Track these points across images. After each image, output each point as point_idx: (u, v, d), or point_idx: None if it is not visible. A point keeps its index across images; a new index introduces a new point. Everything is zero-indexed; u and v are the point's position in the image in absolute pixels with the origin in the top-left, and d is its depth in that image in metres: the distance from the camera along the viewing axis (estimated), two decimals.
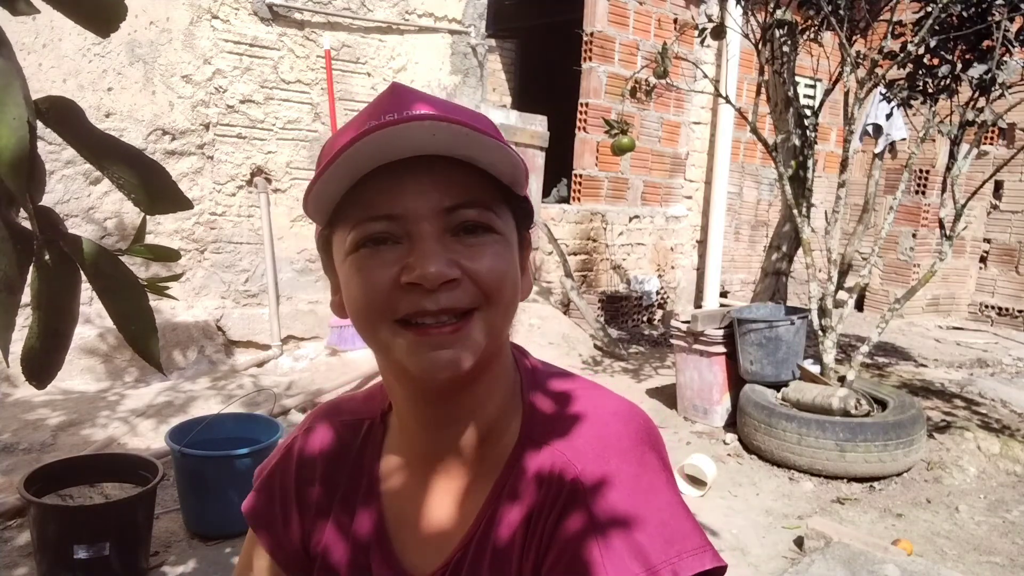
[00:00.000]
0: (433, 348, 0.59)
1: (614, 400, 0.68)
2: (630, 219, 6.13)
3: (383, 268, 0.59)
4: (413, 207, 0.59)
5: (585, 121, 5.80)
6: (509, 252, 0.63)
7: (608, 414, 0.66)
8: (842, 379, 3.52)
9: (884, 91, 3.71)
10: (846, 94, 3.48)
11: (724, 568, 0.59)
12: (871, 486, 3.18)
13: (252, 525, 0.78)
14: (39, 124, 0.47)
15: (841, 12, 3.40)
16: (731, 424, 3.77)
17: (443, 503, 0.69)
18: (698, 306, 6.46)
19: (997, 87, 3.20)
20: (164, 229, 4.13)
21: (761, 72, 3.97)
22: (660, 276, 6.38)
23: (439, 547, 0.67)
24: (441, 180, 0.59)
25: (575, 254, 5.74)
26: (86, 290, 0.52)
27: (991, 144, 6.68)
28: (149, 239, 0.81)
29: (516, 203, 0.66)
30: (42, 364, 0.51)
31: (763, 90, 3.98)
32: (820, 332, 3.59)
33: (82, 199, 3.88)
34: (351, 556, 0.71)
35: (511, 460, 0.66)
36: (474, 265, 0.59)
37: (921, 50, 3.33)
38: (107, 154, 0.51)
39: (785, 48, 3.81)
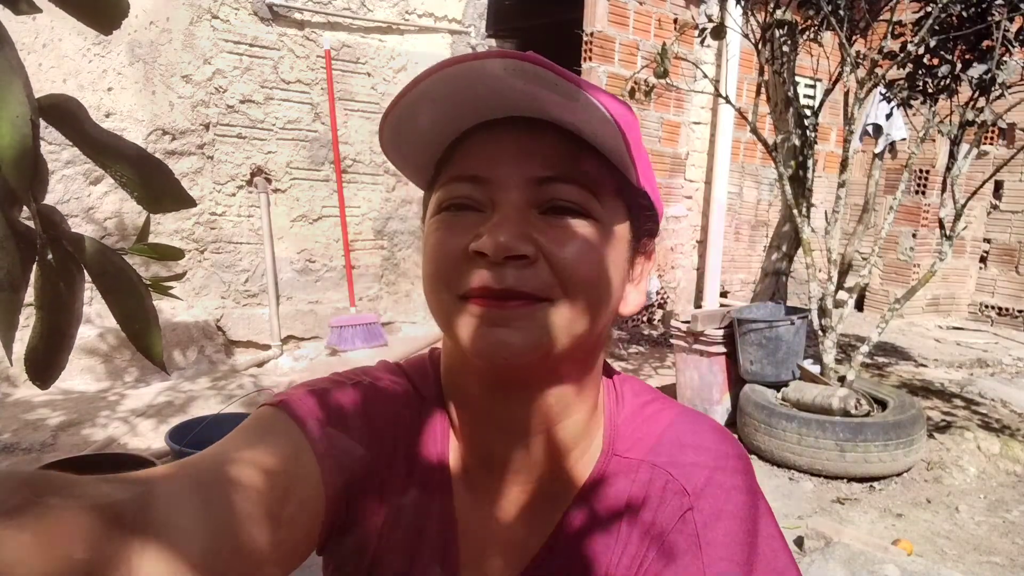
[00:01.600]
0: (491, 324, 0.51)
1: (706, 419, 0.65)
2: None
3: (459, 235, 0.53)
4: (503, 172, 0.53)
5: None
6: (606, 246, 0.54)
7: (708, 432, 0.63)
8: (842, 379, 3.52)
9: (884, 91, 3.71)
10: (846, 94, 3.48)
11: None
12: (871, 486, 3.18)
13: (299, 410, 0.58)
14: (41, 123, 0.47)
15: (841, 12, 3.40)
16: (731, 424, 3.76)
17: (514, 512, 0.61)
18: (698, 306, 6.45)
19: (997, 87, 3.20)
20: (164, 229, 4.13)
21: (761, 72, 3.96)
22: (660, 276, 6.37)
23: (510, 558, 0.61)
24: (543, 148, 0.53)
25: None
26: (86, 290, 0.52)
27: (991, 144, 6.68)
28: (148, 239, 0.80)
29: (632, 197, 0.57)
30: (45, 364, 0.51)
31: (763, 90, 3.98)
32: (820, 332, 3.58)
33: (82, 199, 3.88)
34: (421, 546, 0.61)
35: (596, 475, 0.61)
36: (554, 248, 0.52)
37: (921, 50, 3.33)
38: (109, 152, 0.51)
39: (785, 48, 3.80)
